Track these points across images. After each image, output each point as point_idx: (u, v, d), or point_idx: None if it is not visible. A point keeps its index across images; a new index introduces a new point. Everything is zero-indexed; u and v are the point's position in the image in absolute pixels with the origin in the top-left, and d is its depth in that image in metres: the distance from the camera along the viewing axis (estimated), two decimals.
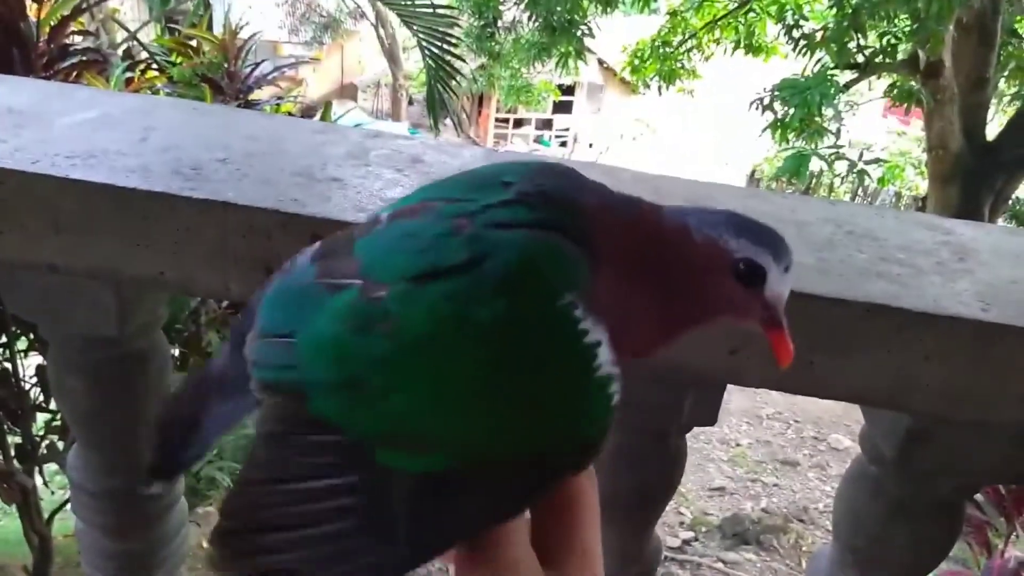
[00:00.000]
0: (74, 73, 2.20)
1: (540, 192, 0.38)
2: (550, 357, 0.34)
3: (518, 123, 15.66)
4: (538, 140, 15.37)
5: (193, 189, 0.74)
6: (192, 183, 0.75)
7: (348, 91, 14.56)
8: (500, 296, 0.34)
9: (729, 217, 0.38)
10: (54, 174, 0.74)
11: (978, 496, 2.08)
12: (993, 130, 5.79)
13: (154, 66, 2.85)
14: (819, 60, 5.63)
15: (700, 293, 0.38)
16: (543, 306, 0.34)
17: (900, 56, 5.56)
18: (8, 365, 2.16)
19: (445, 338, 0.34)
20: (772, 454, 4.19)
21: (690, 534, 3.50)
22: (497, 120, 15.38)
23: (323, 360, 0.35)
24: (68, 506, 2.52)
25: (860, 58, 5.63)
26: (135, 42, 3.03)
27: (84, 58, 2.27)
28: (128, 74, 2.54)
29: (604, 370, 0.34)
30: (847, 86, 5.68)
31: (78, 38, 2.53)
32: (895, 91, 5.90)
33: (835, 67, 5.55)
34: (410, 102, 14.19)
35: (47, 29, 2.16)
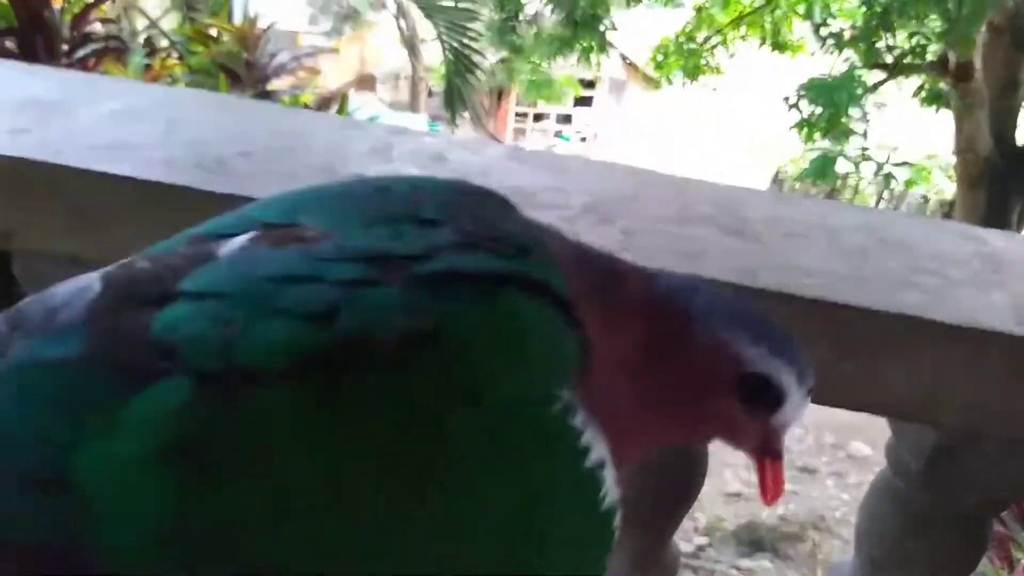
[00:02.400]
0: (94, 60, 2.21)
1: (493, 230, 0.27)
2: (547, 486, 0.24)
3: (537, 117, 15.61)
4: (557, 135, 15.32)
5: (216, 183, 0.74)
6: (215, 177, 0.75)
7: (367, 82, 14.58)
8: (472, 396, 0.23)
9: (741, 308, 0.28)
10: (78, 165, 0.74)
11: None
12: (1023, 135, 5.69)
13: (174, 54, 2.86)
14: (847, 59, 5.56)
15: (693, 404, 0.28)
16: (535, 413, 0.24)
17: (930, 57, 5.47)
18: None
19: (396, 465, 0.22)
20: (790, 461, 4.14)
21: (704, 540, 3.48)
22: (516, 114, 15.35)
23: (133, 505, 0.22)
24: None
25: (889, 58, 5.55)
26: (156, 30, 3.04)
27: (106, 45, 2.29)
28: (147, 61, 2.55)
29: (610, 498, 0.25)
30: (875, 87, 5.61)
31: (99, 26, 2.55)
32: (924, 93, 5.81)
33: (863, 67, 5.48)
34: (429, 94, 14.20)
35: (70, 17, 2.18)
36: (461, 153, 0.93)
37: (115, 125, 0.85)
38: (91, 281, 0.27)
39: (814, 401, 0.78)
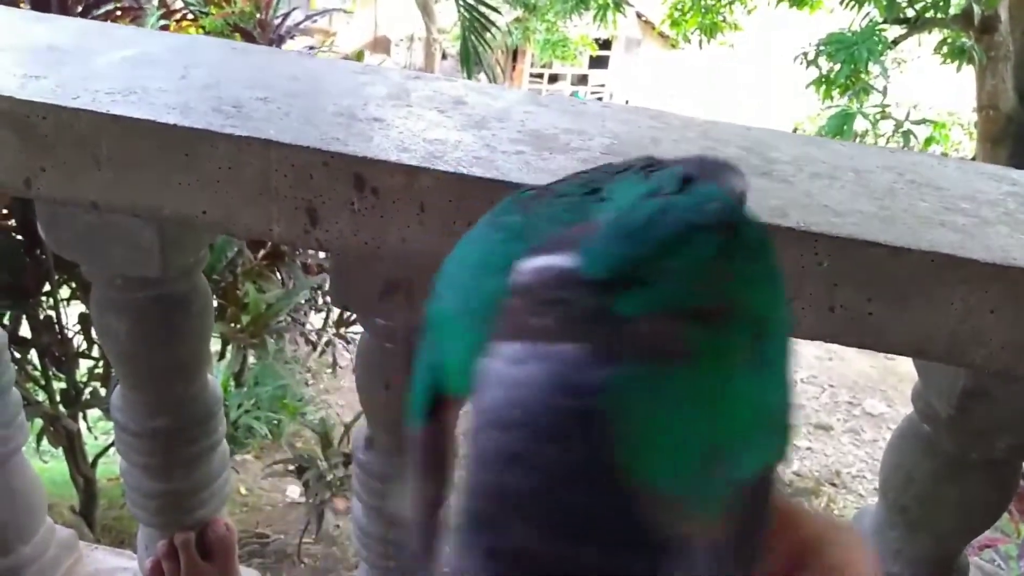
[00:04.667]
0: (108, 21, 2.20)
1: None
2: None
3: (553, 78, 15.43)
4: (572, 96, 15.15)
5: (234, 126, 0.73)
6: (233, 120, 0.74)
7: (381, 44, 14.43)
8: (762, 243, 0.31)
9: (719, 162, 0.39)
10: (95, 110, 0.73)
11: None
12: None
13: (189, 16, 2.84)
14: (867, 14, 5.42)
15: None
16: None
17: (953, 10, 5.33)
18: (52, 313, 2.21)
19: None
20: (805, 418, 4.14)
21: None
22: (531, 75, 15.17)
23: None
24: (111, 450, 2.59)
25: (910, 12, 5.41)
26: None
27: (119, 5, 2.27)
28: (163, 22, 2.53)
29: None
30: (895, 42, 5.48)
31: None
32: (945, 48, 5.66)
33: (884, 21, 5.34)
34: (443, 56, 14.02)
35: None
36: (480, 97, 0.91)
37: (131, 71, 0.84)
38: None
39: (846, 344, 0.78)
